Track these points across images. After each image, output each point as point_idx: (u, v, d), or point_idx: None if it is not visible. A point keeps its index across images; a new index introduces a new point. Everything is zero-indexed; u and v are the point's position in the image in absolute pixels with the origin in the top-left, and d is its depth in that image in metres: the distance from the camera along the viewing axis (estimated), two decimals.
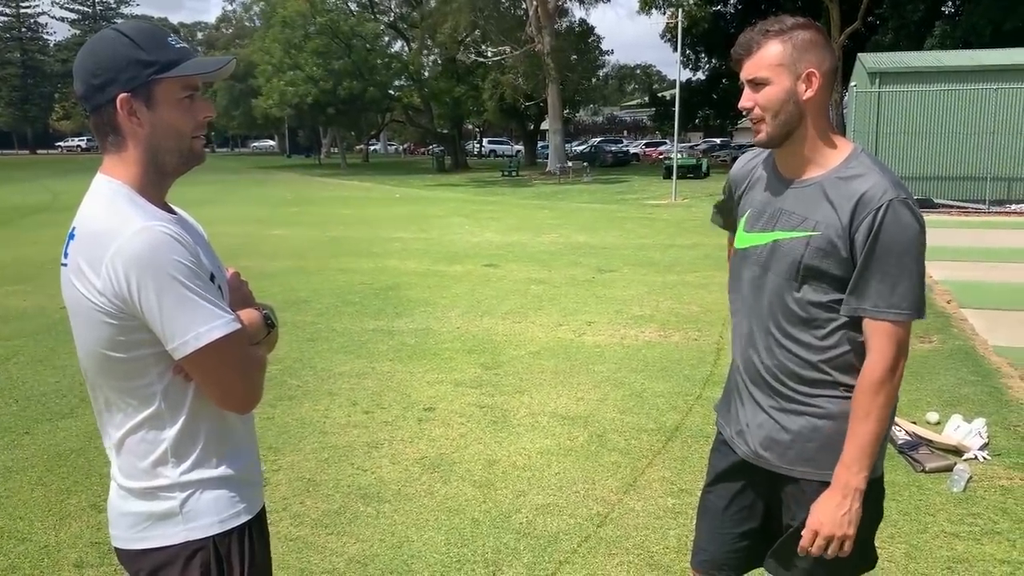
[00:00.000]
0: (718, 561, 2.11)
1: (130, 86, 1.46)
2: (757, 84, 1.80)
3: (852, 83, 20.30)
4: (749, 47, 1.81)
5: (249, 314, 1.58)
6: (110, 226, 1.42)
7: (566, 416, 4.96)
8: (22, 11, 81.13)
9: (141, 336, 1.44)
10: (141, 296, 1.39)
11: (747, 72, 1.81)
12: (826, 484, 1.84)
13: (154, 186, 1.53)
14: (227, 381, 1.50)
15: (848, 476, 1.77)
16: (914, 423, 4.58)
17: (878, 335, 1.75)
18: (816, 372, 1.84)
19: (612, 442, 4.53)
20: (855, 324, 1.80)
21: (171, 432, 1.51)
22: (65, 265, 1.49)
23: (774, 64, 1.78)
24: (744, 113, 1.85)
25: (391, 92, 43.75)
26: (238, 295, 1.64)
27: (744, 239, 1.97)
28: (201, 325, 1.41)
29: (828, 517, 1.78)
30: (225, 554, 1.55)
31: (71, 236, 1.49)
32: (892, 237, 1.71)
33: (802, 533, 1.84)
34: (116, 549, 1.61)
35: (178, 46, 1.51)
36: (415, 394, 5.41)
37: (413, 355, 6.37)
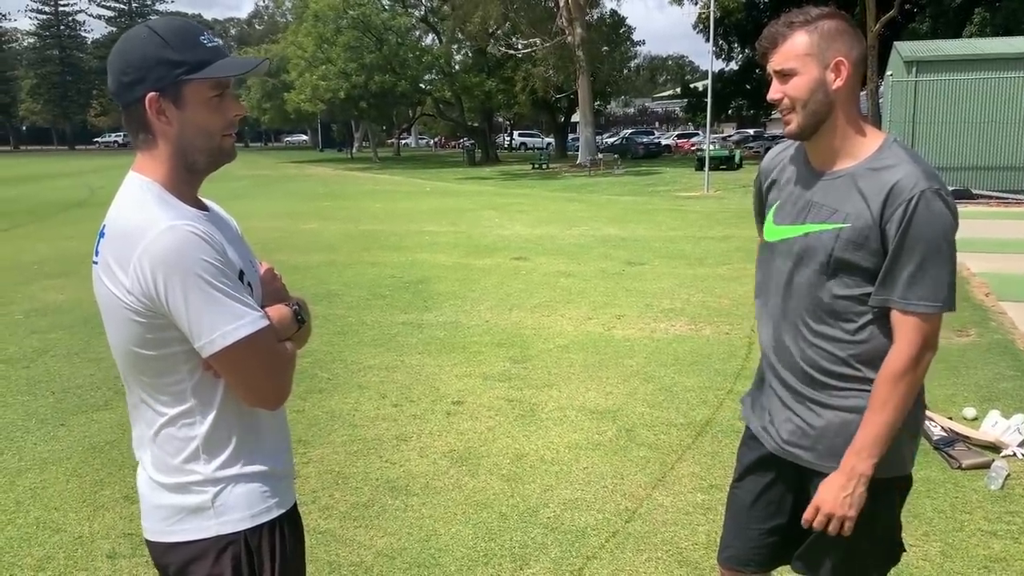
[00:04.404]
0: (744, 557, 2.10)
1: (158, 86, 1.46)
2: (785, 75, 1.78)
3: (888, 72, 19.98)
4: (775, 39, 1.79)
5: (278, 311, 1.57)
6: (138, 225, 1.43)
7: (595, 410, 4.93)
8: (60, 9, 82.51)
9: (170, 334, 1.45)
10: (168, 295, 1.40)
11: (774, 64, 1.79)
12: None
13: (185, 183, 1.54)
14: (254, 379, 1.50)
15: (856, 461, 1.77)
16: (950, 419, 4.49)
17: (906, 327, 1.73)
18: (845, 367, 1.82)
19: (641, 437, 4.50)
20: (885, 317, 1.77)
21: (202, 429, 1.52)
22: (96, 263, 1.50)
23: (801, 54, 1.76)
24: (774, 105, 1.83)
25: (422, 86, 43.81)
26: (270, 289, 1.64)
27: (773, 232, 1.95)
28: (228, 323, 1.42)
29: (831, 496, 1.80)
30: (256, 548, 1.56)
31: (101, 234, 1.50)
32: (924, 228, 1.68)
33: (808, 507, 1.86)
34: (147, 541, 1.62)
35: (210, 45, 1.50)
36: (444, 387, 5.42)
37: (442, 348, 6.37)
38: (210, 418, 1.52)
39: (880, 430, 1.75)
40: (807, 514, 1.85)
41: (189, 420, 1.52)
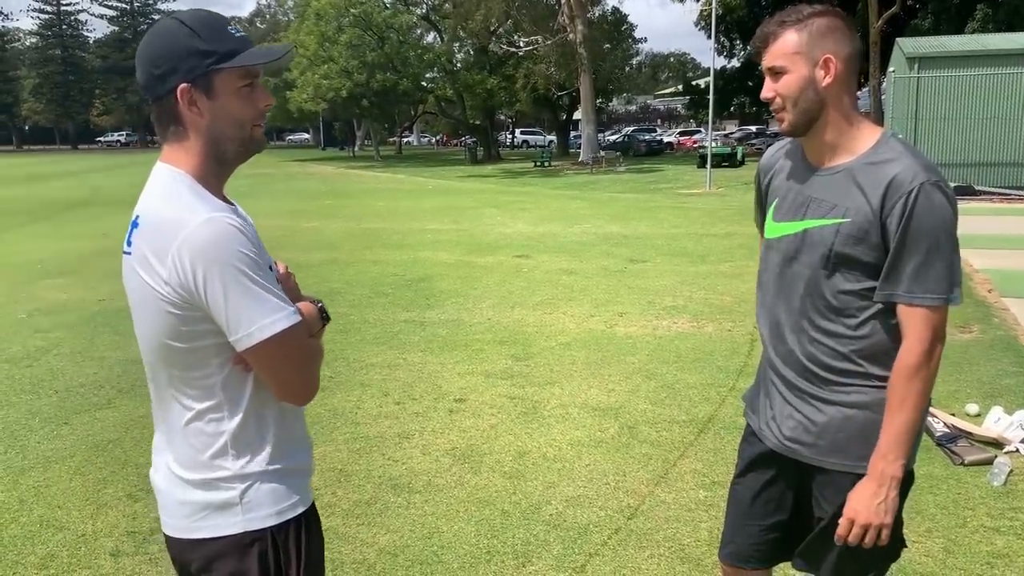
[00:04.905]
0: (744, 554, 2.10)
1: (190, 76, 1.45)
2: (776, 73, 1.81)
3: (891, 68, 19.94)
4: (766, 38, 1.82)
5: (307, 307, 1.58)
6: (176, 216, 1.42)
7: (597, 407, 4.93)
8: (63, 9, 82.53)
9: (204, 327, 1.44)
10: (207, 287, 1.39)
11: (766, 62, 1.82)
12: (856, 476, 1.82)
13: (214, 176, 1.53)
14: (287, 373, 1.50)
15: (884, 464, 1.76)
16: (953, 415, 4.49)
17: (913, 321, 1.73)
18: (847, 362, 1.82)
19: (643, 434, 4.50)
20: (887, 312, 1.77)
21: (231, 424, 1.51)
22: (128, 253, 1.49)
23: (790, 52, 1.78)
24: (767, 103, 1.85)
25: (424, 84, 43.80)
26: (286, 287, 1.64)
27: (774, 228, 1.96)
28: (265, 317, 1.41)
29: (864, 506, 1.77)
30: (283, 545, 1.55)
31: (135, 224, 1.49)
32: (924, 221, 1.68)
33: (839, 522, 1.83)
34: (167, 536, 1.60)
35: (237, 35, 1.50)
36: (446, 385, 5.42)
37: (444, 346, 6.38)
38: (239, 414, 1.51)
39: (902, 429, 1.74)
40: (841, 529, 1.81)
41: (218, 415, 1.51)
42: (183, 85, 1.45)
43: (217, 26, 1.49)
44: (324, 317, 1.63)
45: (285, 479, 1.57)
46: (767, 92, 1.84)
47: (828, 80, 1.77)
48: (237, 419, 1.51)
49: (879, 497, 1.76)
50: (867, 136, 1.81)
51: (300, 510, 1.59)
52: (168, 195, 1.47)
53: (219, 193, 1.54)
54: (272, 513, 1.54)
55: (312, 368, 1.54)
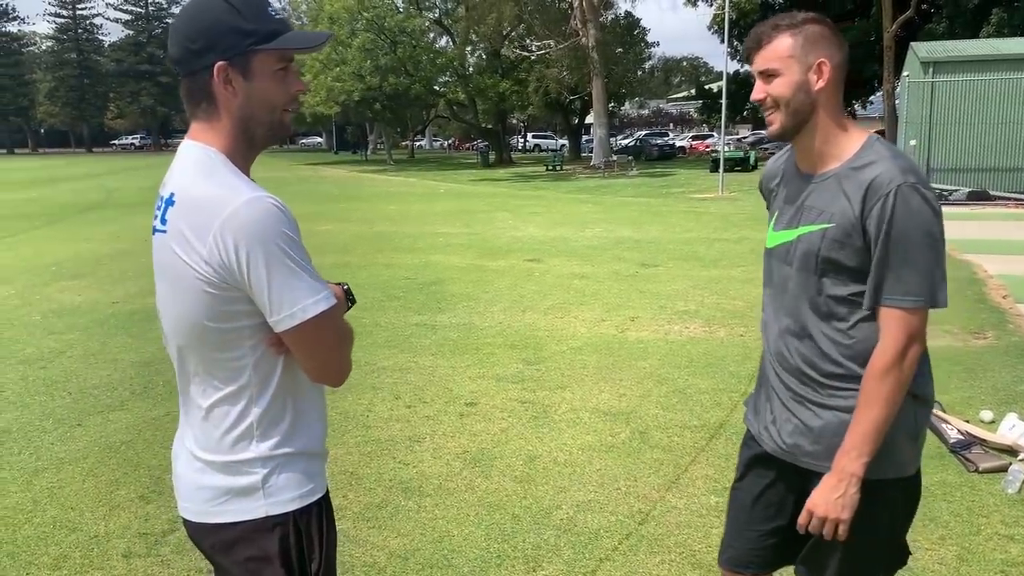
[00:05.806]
0: (744, 559, 2.10)
1: (228, 54, 1.44)
2: (768, 76, 1.83)
3: (905, 73, 19.84)
4: (759, 41, 1.84)
5: (335, 289, 1.57)
6: (217, 194, 1.41)
7: (608, 412, 4.92)
8: (78, 13, 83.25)
9: (240, 307, 1.44)
10: (250, 267, 1.38)
11: (758, 64, 1.84)
12: None
13: (242, 157, 1.52)
14: (325, 354, 1.49)
15: (846, 462, 1.77)
16: (967, 421, 4.46)
17: (889, 322, 1.74)
18: (841, 367, 1.83)
19: (654, 439, 4.49)
20: (877, 317, 1.77)
21: (258, 407, 1.51)
22: (163, 232, 1.48)
23: (784, 56, 1.80)
24: (758, 106, 1.87)
25: (436, 88, 43.90)
26: None
27: (773, 237, 2.00)
28: (307, 298, 1.41)
29: (823, 499, 1.79)
30: (305, 529, 1.55)
31: (169, 202, 1.47)
32: (902, 223, 1.69)
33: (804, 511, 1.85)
34: (186, 522, 1.60)
35: (277, 16, 1.49)
36: (457, 389, 5.42)
37: (455, 350, 6.38)
38: (266, 396, 1.50)
39: (867, 428, 1.74)
40: (801, 518, 1.84)
41: (245, 398, 1.50)
42: (220, 63, 1.44)
43: (259, 5, 1.47)
44: (350, 299, 1.64)
45: (306, 463, 1.56)
46: (758, 94, 1.85)
47: (821, 84, 1.80)
48: (264, 402, 1.50)
49: (838, 492, 1.77)
50: (853, 141, 1.83)
51: (320, 494, 1.59)
52: (206, 173, 1.45)
53: (247, 175, 1.53)
54: (295, 497, 1.53)
55: (346, 349, 1.53)
